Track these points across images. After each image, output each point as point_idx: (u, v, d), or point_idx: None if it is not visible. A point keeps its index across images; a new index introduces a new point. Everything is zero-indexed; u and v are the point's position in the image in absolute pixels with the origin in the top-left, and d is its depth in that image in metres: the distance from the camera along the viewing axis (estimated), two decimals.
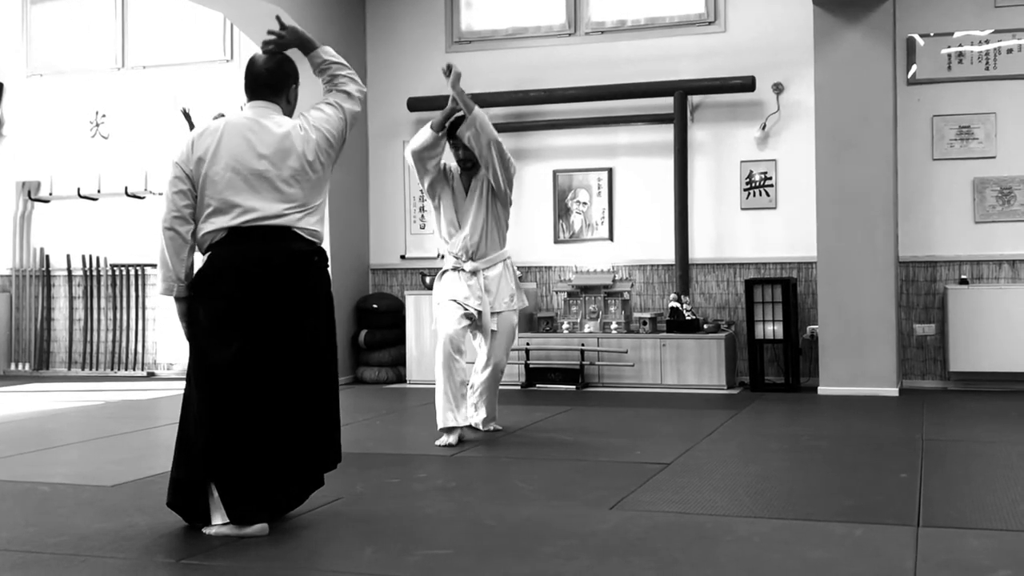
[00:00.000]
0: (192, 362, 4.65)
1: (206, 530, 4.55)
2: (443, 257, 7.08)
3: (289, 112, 4.86)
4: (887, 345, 9.16)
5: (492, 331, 6.89)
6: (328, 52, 4.97)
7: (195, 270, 4.68)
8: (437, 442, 6.67)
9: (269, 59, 4.83)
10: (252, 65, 4.83)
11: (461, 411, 6.69)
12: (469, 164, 6.88)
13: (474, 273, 6.86)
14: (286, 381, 4.60)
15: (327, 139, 4.82)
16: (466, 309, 6.78)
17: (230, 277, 4.55)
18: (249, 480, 4.50)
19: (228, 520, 4.50)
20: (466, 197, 6.92)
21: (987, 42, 9.69)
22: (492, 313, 6.87)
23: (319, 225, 4.82)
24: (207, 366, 4.55)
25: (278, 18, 4.89)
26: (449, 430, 6.69)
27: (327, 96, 4.93)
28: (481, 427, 7.21)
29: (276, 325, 4.58)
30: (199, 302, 4.60)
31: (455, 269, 6.91)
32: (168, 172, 4.66)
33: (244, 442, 4.50)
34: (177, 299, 4.63)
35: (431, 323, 8.40)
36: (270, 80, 4.80)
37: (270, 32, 4.87)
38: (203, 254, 4.68)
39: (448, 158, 6.97)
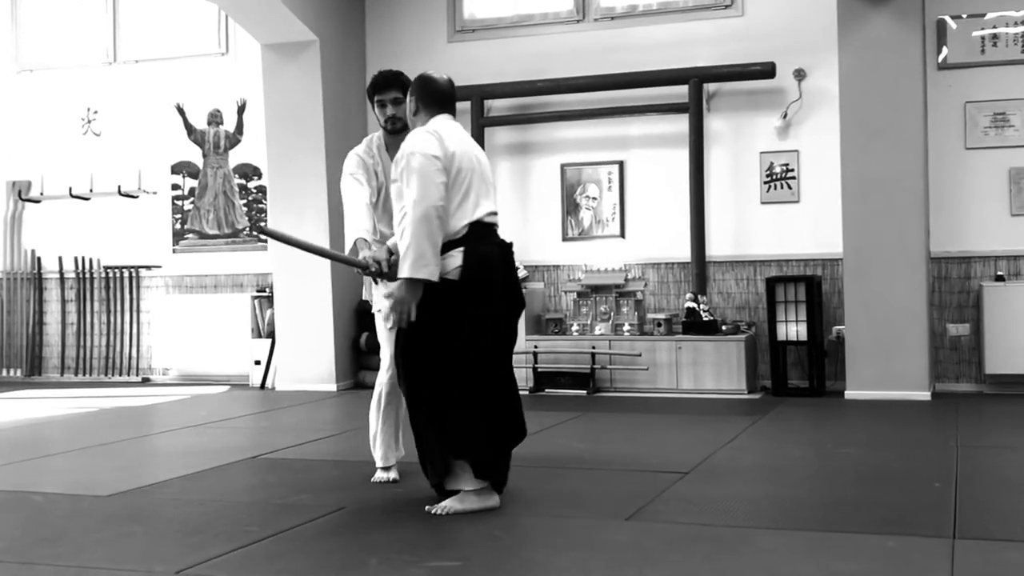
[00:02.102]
0: (433, 347, 4.99)
1: (439, 509, 5.00)
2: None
3: None
4: (918, 346, 9.00)
5: None
6: None
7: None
8: (377, 479, 5.97)
9: (447, 79, 5.41)
10: (435, 82, 5.35)
11: (400, 443, 6.09)
12: (400, 125, 5.95)
13: None
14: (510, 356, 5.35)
15: None
16: None
17: (496, 267, 5.11)
18: (505, 448, 5.16)
19: (478, 486, 5.01)
20: None
21: (1023, 23, 9.42)
22: None
23: None
24: (474, 349, 5.01)
25: None
26: (391, 466, 6.07)
27: None
28: None
29: (513, 309, 5.27)
30: (468, 290, 5.00)
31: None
32: (421, 162, 4.98)
33: (504, 411, 5.15)
34: (426, 283, 4.94)
35: None
36: (451, 98, 5.39)
37: None
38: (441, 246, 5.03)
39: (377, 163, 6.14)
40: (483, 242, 5.08)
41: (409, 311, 4.93)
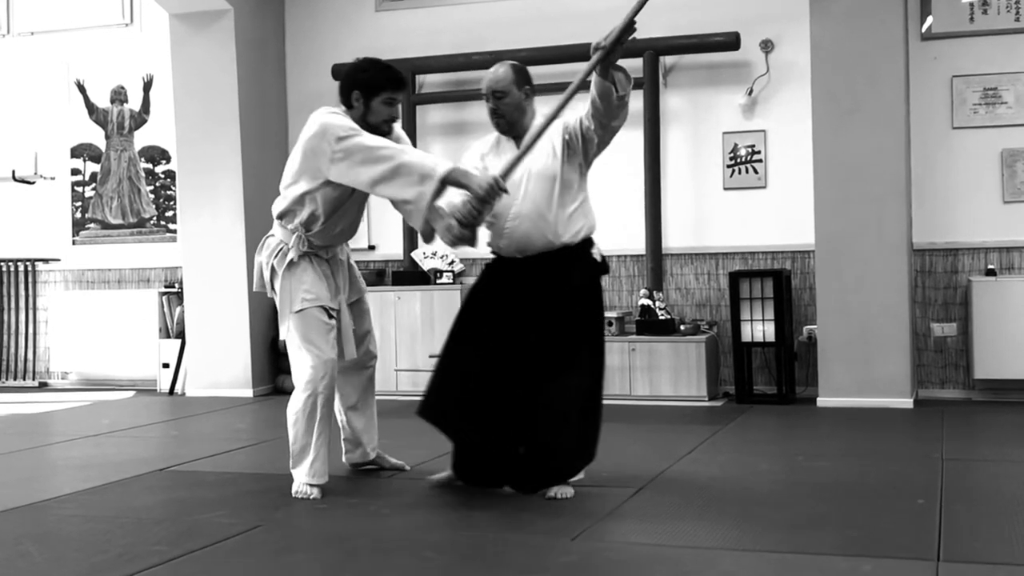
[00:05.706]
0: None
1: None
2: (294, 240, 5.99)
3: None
4: (899, 348, 8.78)
5: (353, 329, 6.06)
6: None
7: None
8: (300, 493, 5.72)
9: None
10: None
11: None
12: (387, 129, 5.98)
13: (329, 260, 5.96)
14: None
15: None
16: (331, 316, 5.88)
17: None
18: None
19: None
20: None
21: None
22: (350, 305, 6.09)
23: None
24: None
25: None
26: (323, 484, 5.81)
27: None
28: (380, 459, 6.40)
29: None
30: None
31: (307, 256, 5.86)
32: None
33: None
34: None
35: None
36: None
37: None
38: None
39: None
40: None
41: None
